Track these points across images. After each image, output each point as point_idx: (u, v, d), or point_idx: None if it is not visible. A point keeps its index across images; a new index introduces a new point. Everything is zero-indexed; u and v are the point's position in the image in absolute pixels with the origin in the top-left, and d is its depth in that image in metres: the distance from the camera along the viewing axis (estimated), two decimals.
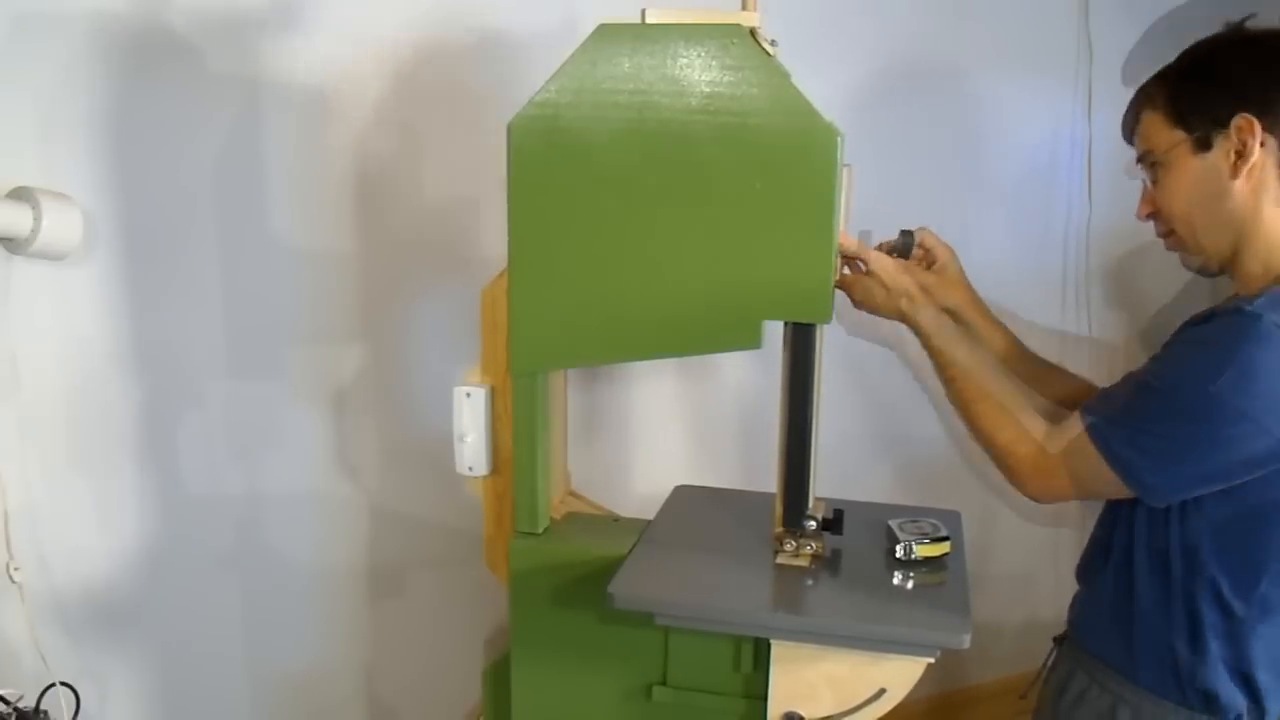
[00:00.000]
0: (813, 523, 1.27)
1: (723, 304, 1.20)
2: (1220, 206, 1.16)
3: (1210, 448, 1.10)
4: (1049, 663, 1.41)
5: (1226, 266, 1.21)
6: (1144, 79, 1.25)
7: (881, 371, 2.23)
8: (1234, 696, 1.19)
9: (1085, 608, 1.34)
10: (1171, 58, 1.24)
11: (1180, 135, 1.17)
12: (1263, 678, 1.19)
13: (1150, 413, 1.14)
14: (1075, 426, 1.19)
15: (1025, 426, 1.23)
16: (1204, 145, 1.15)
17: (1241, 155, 1.13)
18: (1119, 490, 1.17)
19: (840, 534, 1.29)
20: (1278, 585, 1.16)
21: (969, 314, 1.45)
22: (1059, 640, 1.40)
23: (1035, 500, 1.26)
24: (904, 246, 1.42)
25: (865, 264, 1.32)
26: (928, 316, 1.30)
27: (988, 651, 2.55)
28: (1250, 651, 1.18)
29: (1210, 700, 1.19)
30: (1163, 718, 1.22)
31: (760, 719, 1.24)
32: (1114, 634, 1.26)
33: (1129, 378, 1.21)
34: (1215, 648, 1.18)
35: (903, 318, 1.31)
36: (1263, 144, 1.12)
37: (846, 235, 1.29)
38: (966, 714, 2.57)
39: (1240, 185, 1.14)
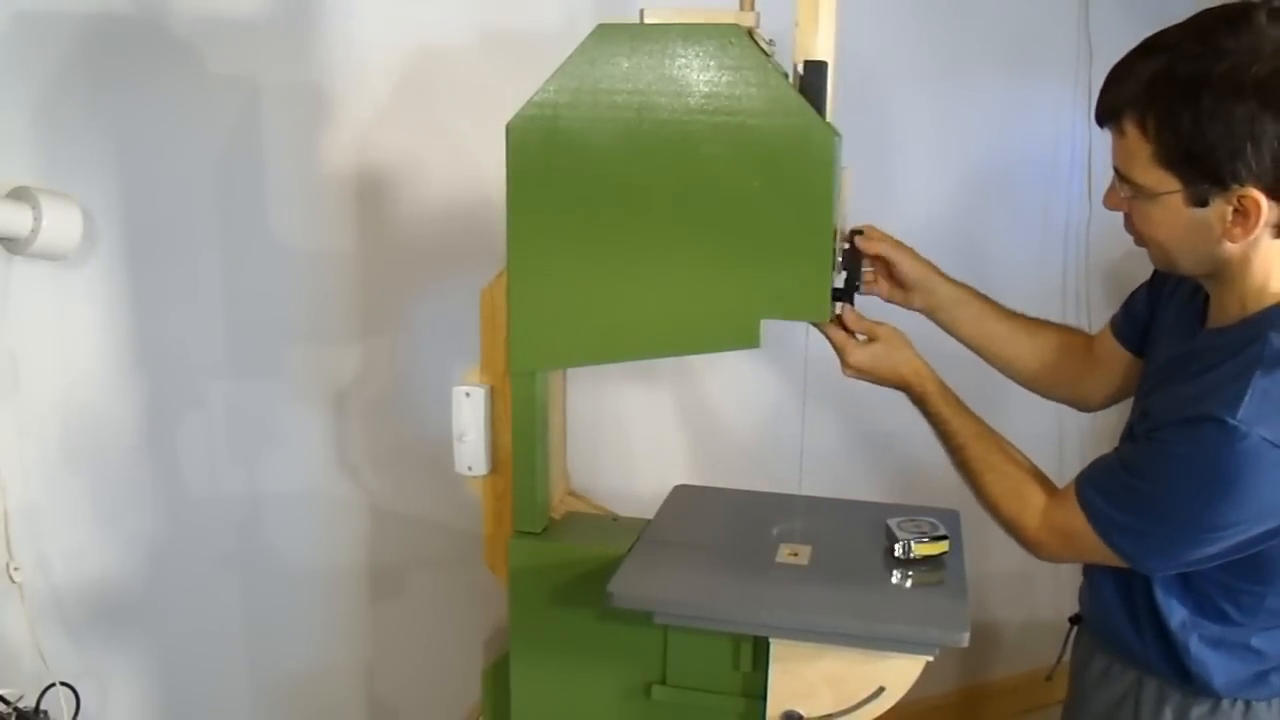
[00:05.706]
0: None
1: (721, 303, 1.20)
2: (1205, 249, 1.10)
3: (1206, 544, 1.09)
4: (1068, 642, 1.42)
5: (1200, 282, 1.19)
6: None
7: None
8: (1257, 688, 1.19)
9: (1092, 599, 1.34)
10: None
11: (1172, 183, 1.06)
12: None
13: (1143, 510, 1.12)
14: (1072, 504, 1.17)
15: (1027, 500, 1.21)
16: (1199, 201, 1.06)
17: (1241, 222, 1.05)
18: (1120, 562, 1.16)
19: (858, 287, 1.27)
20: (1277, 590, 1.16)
21: (951, 304, 1.41)
22: (1075, 620, 1.41)
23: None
24: (849, 287, 1.28)
25: (871, 336, 1.27)
26: (934, 387, 1.28)
27: (988, 650, 2.55)
28: (1263, 644, 1.17)
29: (1226, 685, 1.19)
30: (1183, 697, 1.22)
31: (759, 718, 1.24)
32: (1123, 626, 1.26)
33: (1123, 450, 1.18)
34: (1226, 639, 1.17)
35: (906, 386, 1.28)
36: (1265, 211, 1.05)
37: (852, 311, 1.26)
38: (968, 713, 2.57)
39: (1232, 243, 1.08)
